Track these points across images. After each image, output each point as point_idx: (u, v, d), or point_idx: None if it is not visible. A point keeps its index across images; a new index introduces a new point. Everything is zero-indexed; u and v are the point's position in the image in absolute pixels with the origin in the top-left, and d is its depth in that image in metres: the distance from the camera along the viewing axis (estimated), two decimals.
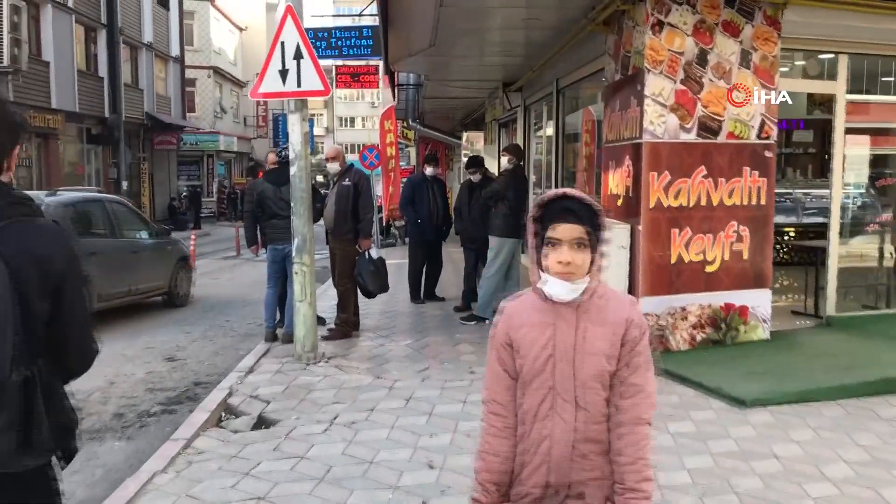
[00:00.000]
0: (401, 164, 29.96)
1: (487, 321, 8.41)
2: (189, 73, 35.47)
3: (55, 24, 21.57)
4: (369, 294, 7.71)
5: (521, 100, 14.19)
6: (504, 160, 8.58)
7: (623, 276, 6.76)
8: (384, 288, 7.76)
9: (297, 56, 6.35)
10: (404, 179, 20.76)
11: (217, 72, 40.21)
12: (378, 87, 27.13)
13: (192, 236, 18.32)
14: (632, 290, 6.76)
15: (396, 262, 9.68)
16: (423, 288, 10.07)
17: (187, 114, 35.04)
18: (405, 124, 26.95)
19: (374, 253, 7.69)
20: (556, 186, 11.30)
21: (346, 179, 7.66)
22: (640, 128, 6.64)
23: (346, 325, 7.76)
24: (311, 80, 6.39)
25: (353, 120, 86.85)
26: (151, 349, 8.18)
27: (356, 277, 7.58)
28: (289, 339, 7.34)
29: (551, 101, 11.61)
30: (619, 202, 7.13)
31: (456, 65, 12.62)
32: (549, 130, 11.88)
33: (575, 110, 11.14)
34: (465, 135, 22.08)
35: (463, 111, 21.62)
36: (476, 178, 9.15)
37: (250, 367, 6.57)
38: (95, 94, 24.50)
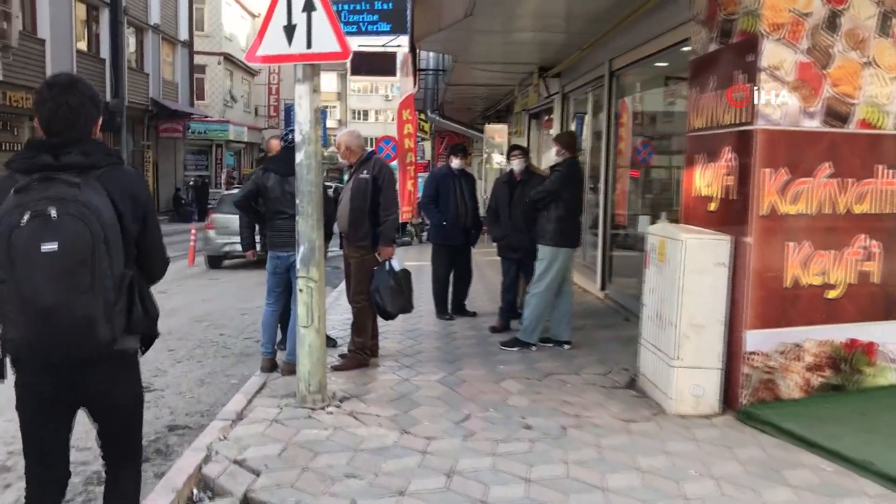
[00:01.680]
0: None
1: (534, 347, 6.90)
2: (198, 60, 34.05)
3: (52, 0, 20.11)
4: (387, 315, 6.20)
5: (559, 87, 12.67)
6: (553, 152, 7.04)
7: (720, 303, 5.24)
8: (406, 308, 6.25)
9: (308, 7, 4.84)
10: (421, 174, 19.30)
11: (228, 59, 38.78)
12: (396, 75, 25.62)
13: (192, 230, 16.87)
14: (733, 320, 5.23)
15: (414, 264, 8.15)
16: (451, 301, 8.56)
17: (196, 101, 33.59)
18: (422, 116, 25.43)
19: (397, 264, 6.17)
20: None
21: (364, 171, 6.15)
22: (751, 111, 5.10)
23: (362, 352, 6.26)
24: (325, 39, 4.87)
25: (366, 113, 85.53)
26: None
27: (372, 294, 6.08)
28: (290, 369, 5.86)
29: (601, 86, 10.08)
30: (713, 206, 5.59)
31: (489, 44, 11.11)
32: (599, 121, 10.33)
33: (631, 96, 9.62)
34: (486, 127, 20.54)
35: (487, 101, 20.09)
36: (518, 169, 7.61)
37: (239, 412, 5.06)
38: (96, 76, 23.05)
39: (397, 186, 17.46)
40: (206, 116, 34.77)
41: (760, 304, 5.15)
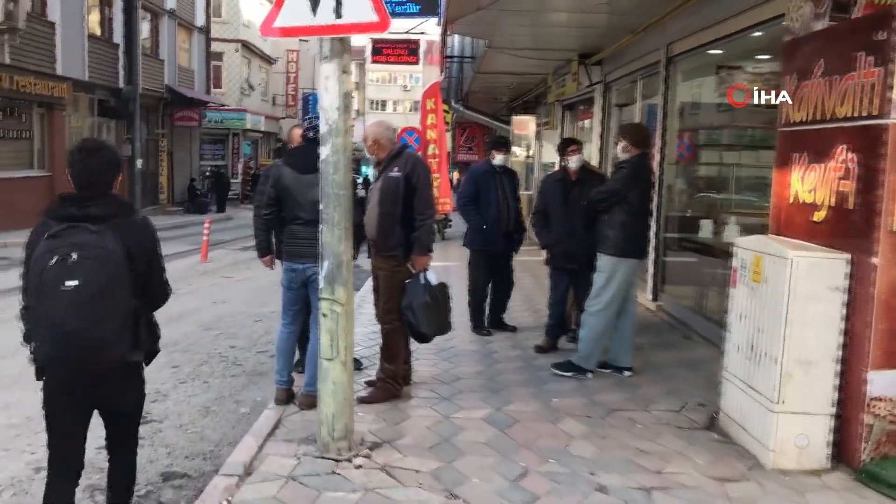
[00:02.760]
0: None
1: (591, 374, 5.97)
2: (215, 47, 33.16)
3: None
4: (422, 338, 5.28)
5: (601, 75, 11.68)
6: (619, 148, 6.07)
7: (834, 336, 4.29)
8: (444, 329, 5.33)
9: None
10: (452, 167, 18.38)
11: (245, 46, 37.90)
12: (418, 62, 24.71)
13: (206, 223, 16.03)
14: (849, 357, 4.29)
15: (438, 264, 7.17)
16: (489, 314, 7.63)
17: (212, 90, 32.74)
18: (445, 106, 24.47)
19: (433, 276, 5.24)
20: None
21: (395, 169, 5.22)
22: (881, 101, 4.12)
23: (394, 382, 5.34)
24: (358, 7, 3.94)
25: (384, 103, 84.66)
26: None
27: (405, 312, 5.16)
28: (310, 402, 4.98)
29: (653, 74, 9.10)
30: (820, 216, 4.63)
31: (526, 28, 10.15)
32: (650, 112, 9.35)
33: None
34: (514, 119, 19.55)
35: (515, 91, 19.09)
36: (575, 166, 6.66)
37: (248, 464, 4.15)
38: (109, 62, 22.24)
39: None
40: (223, 105, 33.91)
41: (888, 338, 4.19)
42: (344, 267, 4.17)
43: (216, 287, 11.75)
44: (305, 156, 4.91)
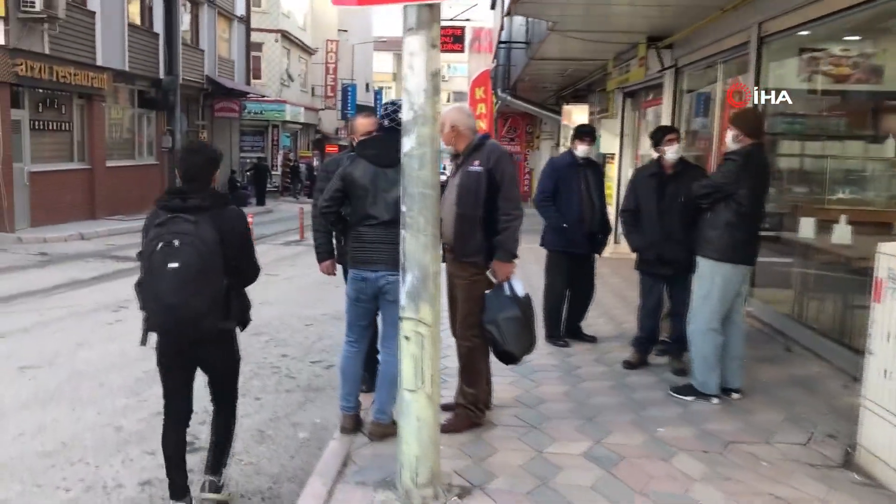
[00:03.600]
0: None
1: (716, 400, 5.21)
2: (255, 37, 32.67)
3: None
4: (508, 358, 4.57)
5: (672, 60, 10.85)
6: (729, 137, 5.28)
7: None
8: (530, 347, 4.61)
9: None
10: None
11: (285, 36, 37.39)
12: (463, 50, 23.91)
13: (249, 217, 15.45)
14: None
15: None
16: (565, 322, 6.90)
17: (252, 80, 32.29)
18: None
19: (520, 287, 4.53)
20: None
21: (475, 162, 4.51)
22: None
23: (475, 409, 4.64)
24: None
25: None
26: (150, 423, 5.21)
27: (486, 327, 4.45)
28: (381, 432, 4.33)
29: (741, 56, 8.28)
30: None
31: (598, 7, 9.38)
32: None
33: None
34: (566, 108, 18.69)
35: (569, 78, 18.23)
36: (673, 158, 5.88)
37: None
38: (149, 52, 21.80)
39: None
40: (263, 96, 33.45)
41: None
42: (430, 281, 3.48)
43: (260, 286, 11.01)
44: (384, 146, 4.22)
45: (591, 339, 6.87)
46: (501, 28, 14.79)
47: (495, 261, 4.47)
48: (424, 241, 3.45)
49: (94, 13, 18.36)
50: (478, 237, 4.49)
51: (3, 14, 14.81)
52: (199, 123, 26.82)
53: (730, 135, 5.25)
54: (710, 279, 5.21)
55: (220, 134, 29.31)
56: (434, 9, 3.40)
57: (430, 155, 3.43)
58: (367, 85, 58.24)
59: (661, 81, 11.26)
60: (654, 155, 6.11)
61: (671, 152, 5.84)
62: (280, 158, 37.05)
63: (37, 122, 16.80)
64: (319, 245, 5.02)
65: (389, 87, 75.50)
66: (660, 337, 6.21)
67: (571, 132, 6.95)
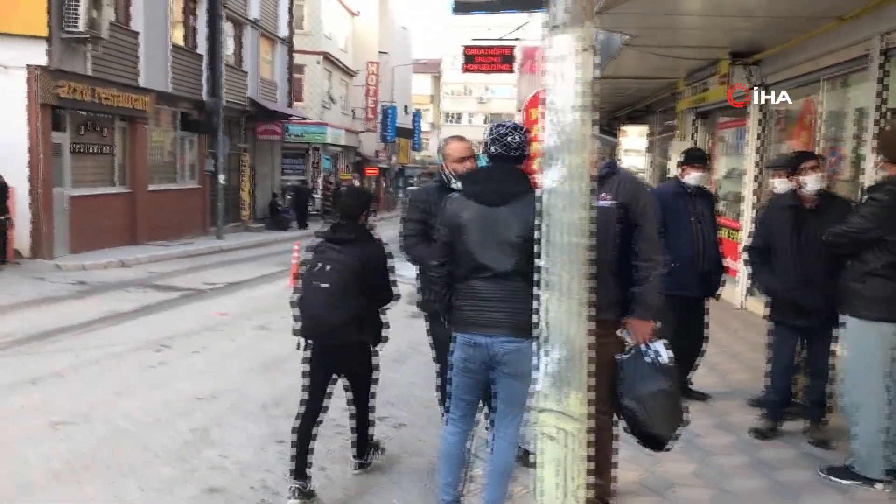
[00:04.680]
0: None
1: (886, 487, 4.26)
2: (297, 59, 32.25)
3: None
4: (654, 443, 3.67)
5: (758, 77, 9.93)
6: (872, 164, 4.36)
7: None
8: (675, 425, 3.70)
9: None
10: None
11: (327, 58, 37.01)
12: (512, 70, 23.11)
13: (295, 247, 14.76)
14: None
15: None
16: None
17: (293, 102, 31.83)
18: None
19: (663, 351, 3.64)
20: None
21: (605, 195, 3.66)
22: None
23: (600, 502, 3.74)
24: None
25: (459, 116, 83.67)
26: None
27: (625, 403, 3.57)
28: None
29: (856, 72, 7.35)
30: None
31: (689, 18, 8.52)
32: (843, 120, 7.58)
33: None
34: (624, 130, 17.76)
35: (628, 98, 17.34)
36: (813, 189, 4.95)
37: None
38: (192, 73, 21.33)
39: None
40: (305, 118, 32.97)
41: None
42: (580, 359, 2.62)
43: None
44: (495, 181, 3.41)
45: (702, 397, 5.94)
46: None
47: (633, 318, 3.61)
48: (573, 305, 2.60)
49: (137, 33, 17.91)
50: (610, 288, 3.63)
51: (45, 35, 14.35)
52: (241, 146, 26.34)
53: (873, 161, 4.34)
54: (860, 341, 4.29)
55: (262, 157, 28.83)
56: (587, 3, 2.56)
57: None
58: (406, 107, 57.86)
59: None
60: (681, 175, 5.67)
61: (811, 183, 4.90)
62: (321, 181, 36.56)
63: (78, 145, 16.30)
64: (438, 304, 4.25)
65: (427, 109, 75.28)
66: (803, 402, 5.27)
67: (681, 157, 6.05)
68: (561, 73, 2.56)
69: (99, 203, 16.95)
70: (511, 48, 22.43)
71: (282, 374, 7.37)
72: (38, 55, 14.34)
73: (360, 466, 4.82)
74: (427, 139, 72.58)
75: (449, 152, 4.44)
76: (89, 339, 8.66)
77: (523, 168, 3.61)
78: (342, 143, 39.13)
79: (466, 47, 22.41)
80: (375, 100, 44.73)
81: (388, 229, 27.92)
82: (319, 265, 4.10)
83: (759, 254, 5.16)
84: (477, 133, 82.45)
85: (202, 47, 21.99)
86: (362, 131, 44.23)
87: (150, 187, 19.16)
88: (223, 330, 9.49)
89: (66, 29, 14.58)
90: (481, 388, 3.58)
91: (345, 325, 4.07)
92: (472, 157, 4.44)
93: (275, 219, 27.36)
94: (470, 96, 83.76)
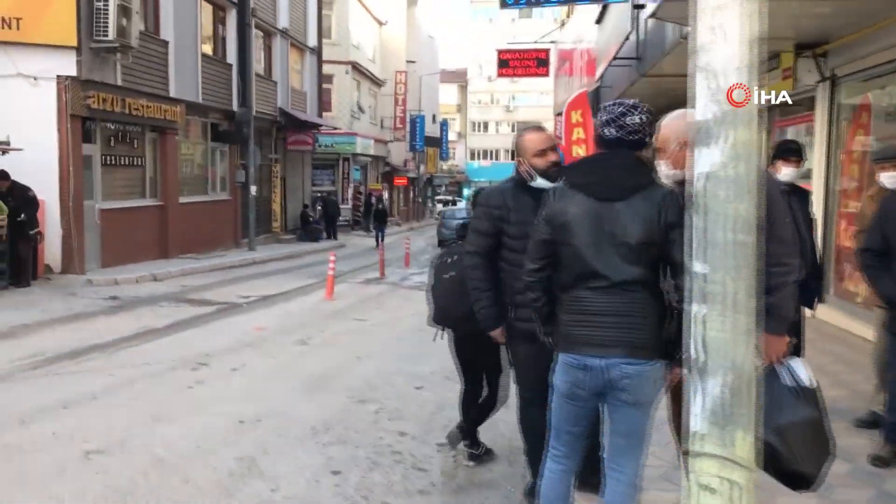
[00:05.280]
0: None
1: None
2: (325, 69, 31.96)
3: None
4: (797, 481, 3.07)
5: (826, 70, 9.31)
6: None
7: None
8: (822, 460, 3.11)
9: None
10: None
11: (355, 68, 36.75)
12: (548, 74, 22.57)
13: (332, 256, 14.29)
14: None
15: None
16: None
17: (323, 113, 31.51)
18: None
19: (802, 371, 3.06)
20: None
21: None
22: None
23: None
24: None
25: (486, 125, 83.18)
26: None
27: (768, 438, 2.97)
28: None
29: None
30: None
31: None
32: None
33: None
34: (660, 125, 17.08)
35: (672, 98, 16.70)
36: None
37: None
38: (222, 83, 21.02)
39: None
40: (336, 128, 32.64)
41: None
42: (747, 391, 2.05)
43: (352, 334, 9.87)
44: (612, 171, 2.85)
45: None
46: (626, 40, 13.38)
47: (764, 333, 3.02)
48: (740, 322, 2.04)
49: (167, 42, 17.60)
50: None
51: (75, 44, 14.04)
52: (271, 157, 26.01)
53: None
54: None
55: (293, 167, 28.50)
56: None
57: (749, 176, 2.02)
58: (434, 116, 57.52)
59: (809, 95, 9.72)
60: None
61: None
62: (350, 191, 36.22)
63: (108, 157, 15.97)
64: (484, 308, 3.69)
65: (454, 119, 74.85)
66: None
67: (772, 150, 5.45)
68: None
69: (130, 216, 16.62)
70: (546, 51, 21.96)
71: (328, 393, 6.86)
72: (68, 65, 14.03)
73: (472, 458, 4.97)
74: (454, 148, 72.23)
75: (527, 145, 3.88)
76: (123, 358, 8.21)
77: (642, 156, 3.02)
78: (371, 152, 38.83)
79: (500, 51, 21.95)
80: (404, 109, 44.45)
81: (418, 239, 27.42)
82: (446, 258, 4.45)
83: (877, 257, 4.55)
84: (505, 141, 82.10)
85: (232, 57, 21.70)
86: (391, 141, 43.92)
87: (182, 199, 18.82)
88: (262, 346, 9.01)
89: (96, 38, 14.25)
90: (591, 419, 3.00)
91: (466, 317, 4.04)
92: (555, 148, 3.89)
93: (306, 230, 27.01)
94: (497, 105, 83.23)
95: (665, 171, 3.14)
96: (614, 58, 13.83)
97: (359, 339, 9.59)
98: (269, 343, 9.18)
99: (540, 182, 3.80)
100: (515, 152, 3.99)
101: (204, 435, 5.60)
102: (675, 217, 2.70)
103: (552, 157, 3.83)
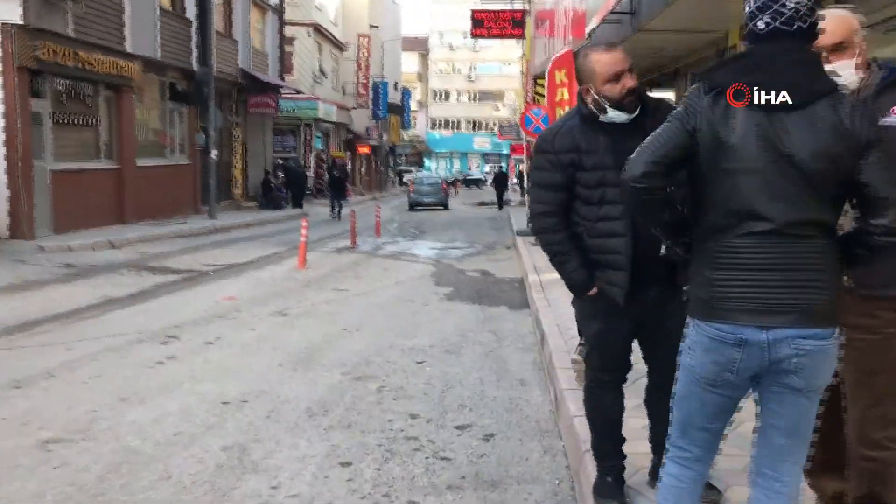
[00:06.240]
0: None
1: None
2: (287, 31, 30.71)
3: None
4: None
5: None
6: None
7: None
8: None
9: None
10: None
11: (317, 30, 35.49)
12: (523, 35, 21.75)
13: (304, 224, 13.43)
14: None
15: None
16: None
17: (284, 76, 30.30)
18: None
19: None
20: None
21: (894, 109, 2.39)
22: None
23: None
24: None
25: (447, 94, 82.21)
26: None
27: None
28: None
29: None
30: None
31: None
32: None
33: None
34: (654, 94, 16.48)
35: (662, 59, 16.03)
36: None
37: None
38: (181, 40, 19.83)
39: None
40: (298, 91, 31.44)
41: None
42: None
43: (334, 305, 9.08)
44: (780, 69, 2.08)
45: None
46: None
47: None
48: None
49: None
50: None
51: None
52: (232, 120, 24.86)
53: None
54: None
55: (254, 132, 27.36)
56: None
57: None
58: (396, 84, 56.30)
59: None
60: None
61: None
62: (313, 159, 35.11)
63: (60, 116, 14.83)
64: (574, 271, 2.99)
65: (415, 88, 73.62)
66: None
67: None
68: None
69: (84, 179, 15.51)
70: (522, 12, 21.16)
71: (319, 369, 6.10)
72: (13, 11, 12.84)
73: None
74: (415, 118, 71.10)
75: (596, 68, 3.10)
76: (82, 330, 7.34)
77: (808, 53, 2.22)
78: (334, 119, 37.69)
79: (475, 10, 21.11)
80: (367, 75, 43.28)
81: (384, 209, 26.59)
82: None
83: None
84: (467, 111, 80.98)
85: (191, 12, 20.50)
86: (353, 108, 42.77)
87: (139, 163, 17.72)
88: (236, 317, 8.19)
89: None
90: (733, 412, 2.26)
91: None
92: (632, 70, 3.14)
93: (267, 197, 25.96)
94: (458, 74, 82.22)
95: (847, 76, 2.40)
96: (611, 11, 13.08)
97: (342, 309, 8.81)
98: (243, 314, 8.37)
99: (613, 115, 3.07)
100: (579, 78, 3.24)
101: (182, 419, 4.81)
102: (874, 133, 2.00)
103: (629, 81, 3.08)
